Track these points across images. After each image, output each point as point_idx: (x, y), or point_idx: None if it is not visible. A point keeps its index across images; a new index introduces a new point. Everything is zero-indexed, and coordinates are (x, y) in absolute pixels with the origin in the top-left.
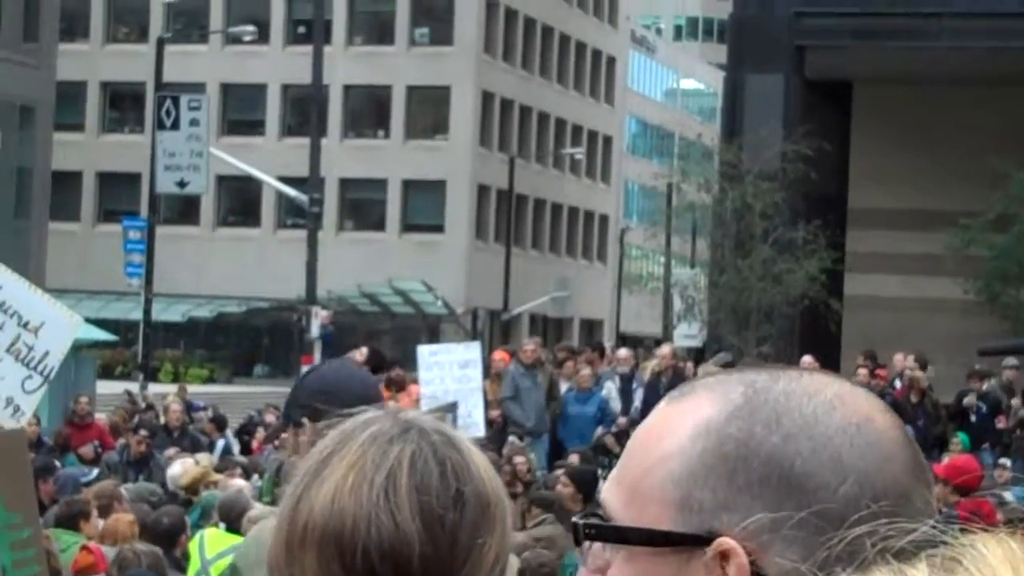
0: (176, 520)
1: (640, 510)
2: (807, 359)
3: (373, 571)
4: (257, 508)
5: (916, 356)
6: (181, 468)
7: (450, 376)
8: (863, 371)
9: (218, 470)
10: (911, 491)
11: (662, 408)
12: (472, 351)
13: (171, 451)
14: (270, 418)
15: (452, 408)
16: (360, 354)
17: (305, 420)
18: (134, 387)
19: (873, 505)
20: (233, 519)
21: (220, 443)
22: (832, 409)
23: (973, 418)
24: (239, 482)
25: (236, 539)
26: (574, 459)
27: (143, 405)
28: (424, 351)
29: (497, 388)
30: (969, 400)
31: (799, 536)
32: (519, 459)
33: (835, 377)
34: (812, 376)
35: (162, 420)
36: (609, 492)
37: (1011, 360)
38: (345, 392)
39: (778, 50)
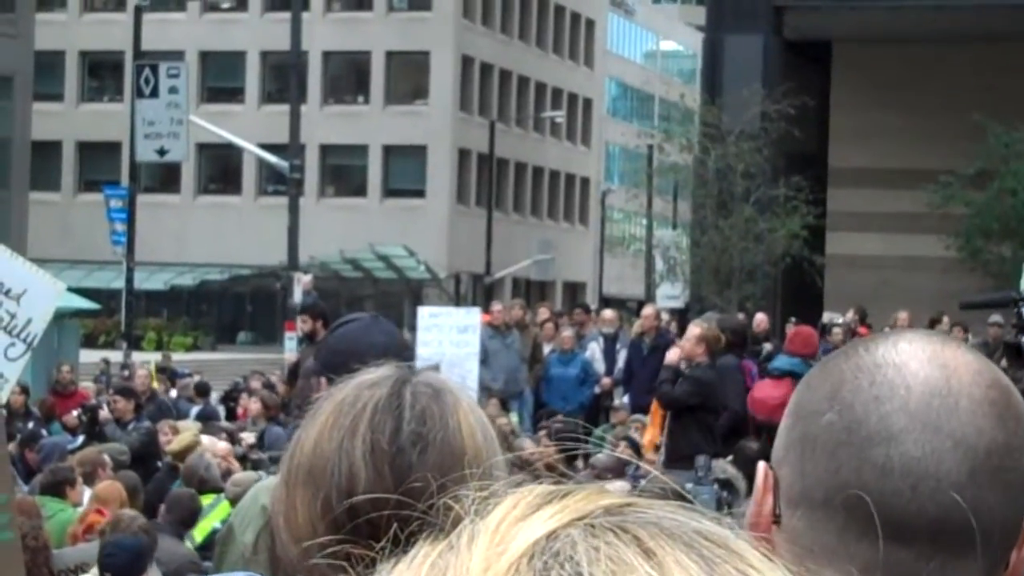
0: (199, 504)
1: None
2: (902, 315)
3: (338, 510)
4: (240, 473)
5: (856, 309)
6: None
7: (448, 339)
8: (837, 330)
9: None
10: (903, 434)
11: None
12: (472, 316)
13: (165, 424)
14: (256, 384)
15: (434, 370)
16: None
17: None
18: (118, 356)
19: (843, 435)
20: (195, 483)
21: (195, 409)
22: (867, 351)
23: None
24: (222, 445)
25: (205, 499)
26: None
27: (125, 372)
28: (424, 312)
29: None
30: None
31: (793, 456)
32: (502, 421)
33: (932, 335)
34: (915, 331)
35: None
36: None
37: (996, 317)
38: (362, 347)
39: (756, 10)
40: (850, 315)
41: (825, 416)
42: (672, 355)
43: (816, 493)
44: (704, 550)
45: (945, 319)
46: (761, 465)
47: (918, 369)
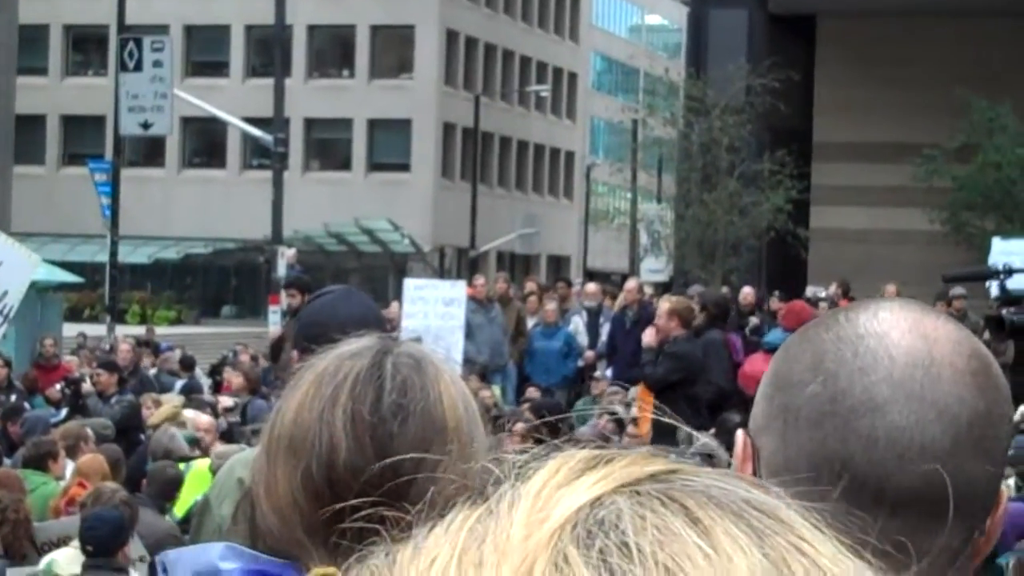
0: (178, 475)
1: None
2: (890, 288)
3: (319, 480)
4: (222, 445)
5: (839, 282)
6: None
7: (433, 312)
8: (823, 304)
9: None
10: (889, 405)
11: None
12: (458, 289)
13: (148, 397)
14: (245, 357)
15: (416, 341)
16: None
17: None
18: (101, 329)
19: (828, 406)
20: (161, 456)
21: (179, 383)
22: (850, 321)
23: None
24: (205, 418)
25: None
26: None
27: (107, 346)
28: (410, 284)
29: None
30: None
31: (775, 427)
32: (484, 393)
33: (911, 305)
34: (891, 301)
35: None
36: None
37: (959, 290)
38: (340, 318)
39: None
40: (833, 288)
41: (809, 387)
42: (648, 336)
43: (800, 463)
44: (754, 520)
45: (952, 291)
46: (740, 434)
47: (900, 339)
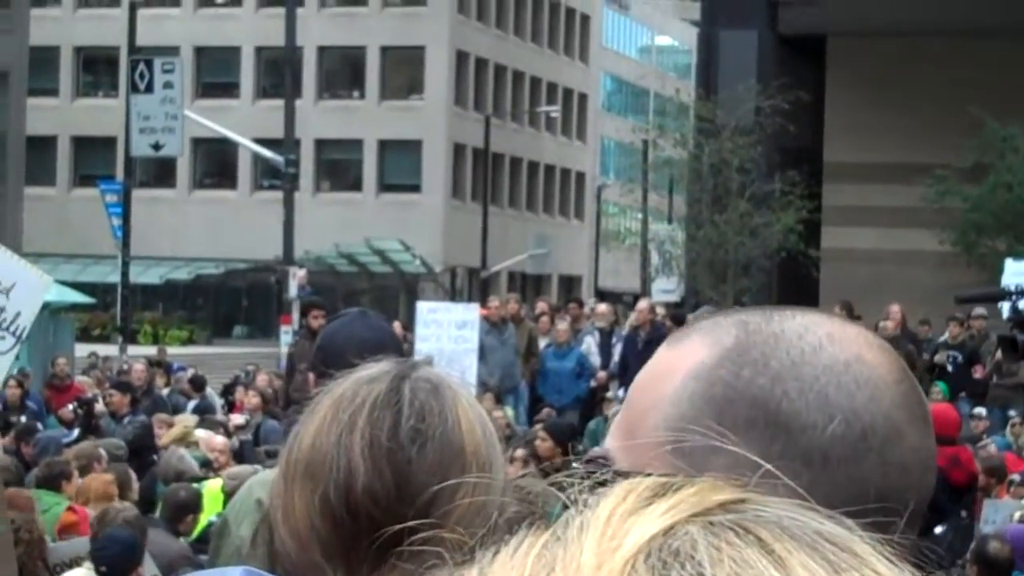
0: (192, 498)
1: (637, 454)
2: (894, 308)
3: (336, 505)
4: (236, 467)
5: (842, 305)
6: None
7: (447, 335)
8: None
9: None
10: (904, 428)
11: (661, 352)
12: (471, 312)
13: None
14: (263, 377)
15: (428, 363)
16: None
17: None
18: (113, 350)
19: (861, 444)
20: (171, 477)
21: (191, 403)
22: (820, 348)
23: (950, 368)
24: (219, 439)
25: None
26: None
27: (124, 366)
28: (423, 307)
29: None
30: (940, 358)
31: (785, 472)
32: (497, 415)
33: (828, 316)
34: (805, 315)
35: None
36: (611, 437)
37: (980, 310)
38: (357, 341)
39: (751, 5)
40: (836, 311)
41: (829, 428)
42: None
43: (835, 505)
44: (829, 554)
45: (974, 311)
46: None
47: (874, 359)
